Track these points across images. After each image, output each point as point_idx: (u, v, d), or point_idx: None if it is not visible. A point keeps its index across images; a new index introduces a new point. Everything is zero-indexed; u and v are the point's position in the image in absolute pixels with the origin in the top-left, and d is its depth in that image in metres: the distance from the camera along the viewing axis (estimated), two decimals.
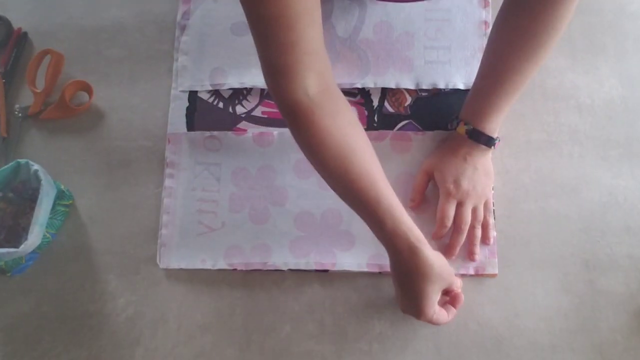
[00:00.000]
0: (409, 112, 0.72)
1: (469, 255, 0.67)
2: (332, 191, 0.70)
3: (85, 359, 0.68)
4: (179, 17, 0.78)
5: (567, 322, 0.65)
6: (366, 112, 0.73)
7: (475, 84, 0.66)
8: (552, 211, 0.69)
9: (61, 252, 0.71)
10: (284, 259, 0.68)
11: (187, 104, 0.75)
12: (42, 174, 0.67)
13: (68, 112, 0.75)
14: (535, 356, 0.65)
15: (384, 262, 0.67)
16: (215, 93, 0.75)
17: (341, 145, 0.57)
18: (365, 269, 0.67)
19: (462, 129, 0.66)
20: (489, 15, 0.74)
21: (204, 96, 0.75)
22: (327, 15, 0.76)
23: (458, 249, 0.67)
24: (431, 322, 0.61)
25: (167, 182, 0.72)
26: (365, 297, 0.68)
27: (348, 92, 0.74)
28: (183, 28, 0.77)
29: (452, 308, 0.63)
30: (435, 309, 0.60)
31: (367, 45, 0.74)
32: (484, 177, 0.67)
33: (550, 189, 0.69)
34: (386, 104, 0.73)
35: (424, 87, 0.73)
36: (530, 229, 0.68)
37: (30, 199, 0.69)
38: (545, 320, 0.65)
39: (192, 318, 0.68)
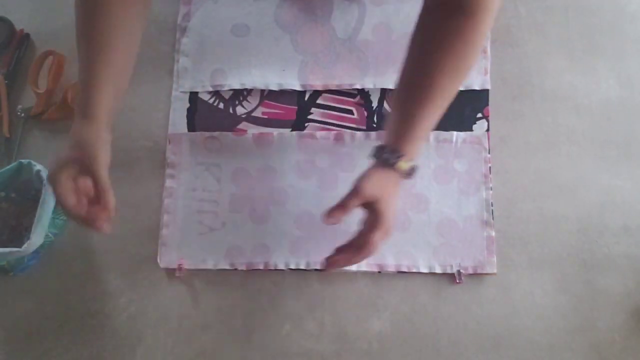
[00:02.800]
0: None
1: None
2: (332, 191, 0.70)
3: (86, 357, 0.68)
4: (179, 18, 0.78)
5: (565, 322, 0.66)
6: (366, 113, 0.73)
7: (398, 107, 0.60)
8: (550, 211, 0.69)
9: (63, 251, 0.72)
10: (284, 259, 0.69)
11: (187, 104, 0.75)
12: (44, 174, 0.67)
13: (70, 113, 0.76)
14: (533, 355, 0.65)
15: (384, 261, 0.68)
16: (216, 94, 0.75)
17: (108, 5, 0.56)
18: (365, 269, 0.68)
19: (404, 165, 0.59)
20: None
21: (205, 97, 0.75)
22: (327, 16, 0.76)
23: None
24: None
25: (168, 183, 0.72)
26: (365, 297, 0.68)
27: (347, 93, 0.74)
28: (184, 30, 0.77)
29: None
30: None
31: (366, 46, 0.75)
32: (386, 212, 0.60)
33: (548, 189, 0.70)
34: (385, 104, 0.73)
35: None
36: (529, 229, 0.68)
37: (32, 199, 0.70)
38: (544, 320, 0.66)
39: (192, 317, 0.69)
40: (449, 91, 0.57)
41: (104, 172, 0.57)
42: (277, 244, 0.69)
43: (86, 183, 0.58)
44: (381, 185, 0.59)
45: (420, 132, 0.58)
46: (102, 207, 0.58)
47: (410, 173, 0.60)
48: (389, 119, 0.61)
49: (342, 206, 0.60)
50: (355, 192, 0.59)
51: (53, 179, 0.56)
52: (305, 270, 0.69)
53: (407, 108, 0.58)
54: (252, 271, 0.70)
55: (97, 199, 0.58)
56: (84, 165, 0.57)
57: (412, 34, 0.58)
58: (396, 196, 0.60)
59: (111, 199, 0.58)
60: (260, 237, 0.70)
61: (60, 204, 0.57)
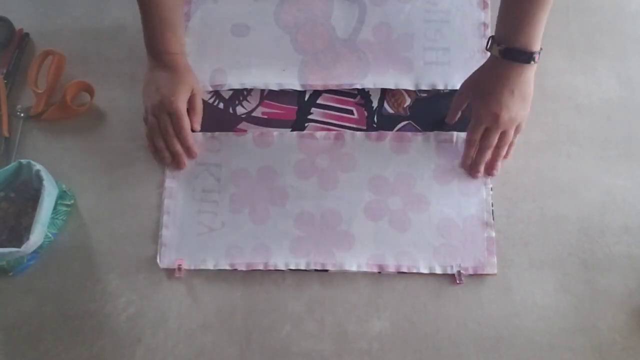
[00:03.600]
0: (408, 113, 0.73)
1: (488, 169, 0.69)
2: (332, 191, 0.70)
3: (86, 358, 0.68)
4: None
5: (565, 322, 0.66)
6: (366, 113, 0.73)
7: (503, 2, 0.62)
8: (550, 211, 0.69)
9: (62, 251, 0.71)
10: (284, 259, 0.69)
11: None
12: (43, 174, 0.67)
13: (69, 113, 0.76)
14: (534, 356, 0.65)
15: (384, 262, 0.68)
16: (216, 94, 0.75)
17: None
18: (365, 269, 0.68)
19: (495, 49, 0.62)
20: (488, 17, 0.75)
21: (204, 97, 0.75)
22: (327, 16, 0.76)
23: (481, 168, 0.69)
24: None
25: (168, 183, 0.72)
26: (365, 297, 0.68)
27: (347, 93, 0.74)
28: (183, 29, 0.77)
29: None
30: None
31: (366, 46, 0.75)
32: (520, 101, 0.64)
33: (548, 189, 0.69)
34: (385, 104, 0.73)
35: (423, 88, 0.73)
36: (529, 229, 0.68)
37: (32, 199, 0.70)
38: (544, 320, 0.66)
39: (192, 317, 0.69)
40: None
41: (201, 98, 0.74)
42: (277, 244, 0.69)
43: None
44: (482, 76, 0.65)
45: (522, 18, 0.59)
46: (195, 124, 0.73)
47: (506, 54, 0.60)
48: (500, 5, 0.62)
49: (451, 111, 0.69)
50: (458, 90, 0.69)
51: (177, 104, 0.69)
52: (305, 270, 0.68)
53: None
54: (252, 271, 0.69)
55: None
56: (194, 89, 0.72)
57: None
58: (508, 87, 0.62)
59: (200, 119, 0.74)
60: (260, 237, 0.70)
61: (184, 124, 0.70)
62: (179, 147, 0.71)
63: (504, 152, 0.68)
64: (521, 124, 0.67)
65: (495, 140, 0.67)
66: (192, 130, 0.72)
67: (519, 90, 0.63)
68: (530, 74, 0.62)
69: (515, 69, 0.61)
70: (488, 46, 0.64)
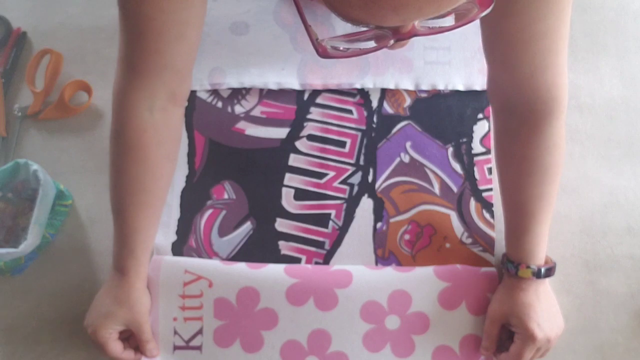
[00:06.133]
0: (408, 114, 0.72)
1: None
2: (328, 311, 0.64)
3: (84, 359, 0.68)
4: None
5: (568, 323, 0.65)
6: (365, 113, 0.73)
7: (507, 221, 0.62)
8: (552, 211, 0.68)
9: (60, 252, 0.71)
10: None
11: (185, 103, 0.74)
12: (41, 174, 0.67)
13: (67, 112, 0.75)
14: None
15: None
16: (214, 93, 0.75)
17: (145, 175, 0.59)
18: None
19: (526, 272, 0.59)
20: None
21: (203, 96, 0.75)
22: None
23: None
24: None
25: None
26: None
27: (347, 93, 0.73)
28: None
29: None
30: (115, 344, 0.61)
31: None
32: (553, 316, 0.61)
33: None
34: (385, 104, 0.73)
35: (424, 87, 0.72)
36: None
37: (29, 199, 0.69)
38: None
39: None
40: (549, 200, 0.59)
41: (148, 327, 0.62)
42: None
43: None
44: (511, 300, 0.60)
45: (533, 240, 0.60)
46: (142, 353, 0.63)
47: (539, 274, 0.59)
48: (505, 225, 0.63)
49: (487, 340, 0.62)
50: (487, 318, 0.62)
51: (98, 334, 0.60)
52: None
53: (513, 222, 0.61)
54: None
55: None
56: (127, 322, 0.61)
57: (495, 154, 0.62)
58: (539, 305, 0.59)
59: (151, 346, 0.63)
60: None
61: (108, 354, 0.60)
62: None
63: None
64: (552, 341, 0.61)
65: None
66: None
67: (553, 304, 0.62)
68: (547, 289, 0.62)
69: (542, 283, 0.61)
70: (510, 270, 0.61)
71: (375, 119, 0.72)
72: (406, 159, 0.71)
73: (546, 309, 0.60)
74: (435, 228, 0.68)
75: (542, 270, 0.59)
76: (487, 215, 0.68)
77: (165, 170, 0.62)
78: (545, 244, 0.61)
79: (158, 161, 0.60)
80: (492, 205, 0.69)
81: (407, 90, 0.73)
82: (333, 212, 0.70)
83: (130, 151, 0.58)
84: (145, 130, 0.58)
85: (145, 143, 0.58)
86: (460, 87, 0.72)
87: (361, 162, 0.71)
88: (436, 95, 0.72)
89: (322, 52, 0.41)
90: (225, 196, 0.71)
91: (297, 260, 0.68)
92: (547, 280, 0.61)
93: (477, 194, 0.69)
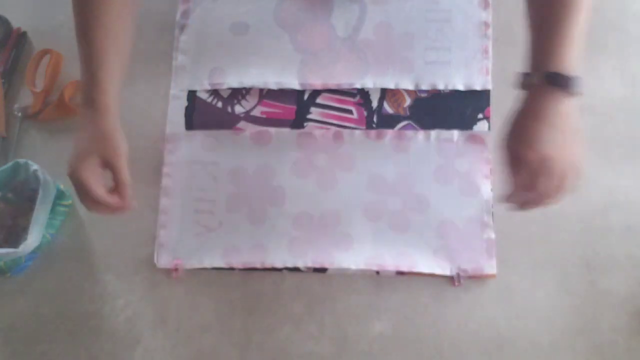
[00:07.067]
0: (408, 113, 0.72)
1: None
2: (331, 191, 0.70)
3: (84, 359, 0.68)
4: (178, 16, 0.77)
5: (567, 323, 0.65)
6: (365, 113, 0.73)
7: (531, 28, 0.53)
8: (552, 211, 0.67)
9: (60, 252, 0.71)
10: (282, 259, 0.68)
11: (186, 103, 0.74)
12: (41, 174, 0.67)
13: (67, 112, 0.75)
14: (535, 357, 0.64)
15: (382, 262, 0.67)
16: (214, 93, 0.75)
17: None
18: (363, 267, 0.67)
19: (534, 78, 0.50)
20: (489, 16, 0.74)
21: (203, 96, 0.75)
22: (327, 15, 0.75)
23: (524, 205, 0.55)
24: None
25: (165, 182, 0.72)
26: (365, 298, 0.67)
27: (347, 93, 0.73)
28: (182, 27, 0.77)
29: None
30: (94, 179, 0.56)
31: (366, 45, 0.74)
32: (576, 146, 0.51)
33: None
34: (385, 104, 0.73)
35: (424, 87, 0.72)
36: (531, 229, 0.68)
37: (29, 199, 0.69)
38: (546, 321, 0.65)
39: (191, 318, 0.68)
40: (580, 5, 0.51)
41: (124, 164, 0.57)
42: (275, 244, 0.69)
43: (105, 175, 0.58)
44: (526, 132, 0.51)
45: (557, 41, 0.50)
46: (121, 199, 0.58)
47: (544, 78, 0.49)
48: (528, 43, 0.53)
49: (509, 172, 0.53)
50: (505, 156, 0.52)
51: (78, 172, 0.55)
52: (303, 271, 0.68)
53: (535, 34, 0.52)
54: (251, 272, 0.69)
55: (115, 190, 0.58)
56: (104, 158, 0.56)
57: None
58: (537, 123, 0.50)
59: (129, 191, 0.58)
60: (258, 237, 0.69)
61: (88, 195, 0.56)
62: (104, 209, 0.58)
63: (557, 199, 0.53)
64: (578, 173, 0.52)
65: (549, 189, 0.52)
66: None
67: (569, 127, 0.52)
68: (575, 109, 0.51)
69: (559, 101, 0.50)
70: (523, 83, 0.53)
71: (375, 119, 0.72)
72: None
73: (547, 128, 0.50)
74: None
75: (559, 75, 0.49)
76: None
77: (132, 14, 0.60)
78: (578, 55, 0.50)
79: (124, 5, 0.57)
80: (492, 205, 0.69)
81: (407, 90, 0.73)
82: None
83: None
84: None
85: None
86: (460, 87, 0.72)
87: None
88: (436, 95, 0.72)
89: None
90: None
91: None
92: (574, 105, 0.50)
93: None
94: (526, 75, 0.52)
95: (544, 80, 0.50)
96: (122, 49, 0.59)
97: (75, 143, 0.57)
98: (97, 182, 0.56)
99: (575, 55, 0.50)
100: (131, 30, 0.60)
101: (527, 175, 0.51)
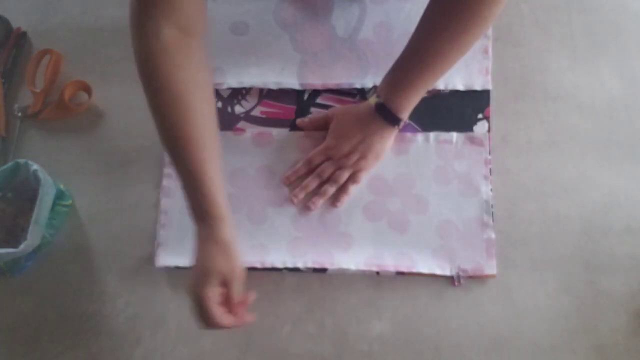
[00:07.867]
0: None
1: (308, 205, 0.69)
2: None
3: (84, 359, 0.68)
4: None
5: (567, 323, 0.65)
6: None
7: (396, 60, 0.64)
8: (552, 211, 0.68)
9: (60, 252, 0.71)
10: (281, 259, 0.68)
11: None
12: (41, 174, 0.67)
13: (67, 112, 0.75)
14: (535, 357, 0.64)
15: (382, 262, 0.67)
16: (214, 92, 0.74)
17: (179, 97, 0.56)
18: (363, 267, 0.67)
19: (373, 99, 0.66)
20: None
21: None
22: (327, 15, 0.75)
23: (303, 194, 0.69)
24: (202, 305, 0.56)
25: (165, 182, 0.72)
26: (365, 298, 0.67)
27: (347, 93, 0.73)
28: None
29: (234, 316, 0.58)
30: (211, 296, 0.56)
31: (366, 45, 0.74)
32: (369, 153, 0.67)
33: (550, 189, 0.69)
34: None
35: None
36: (531, 230, 0.68)
37: (29, 199, 0.69)
38: (546, 321, 0.65)
39: (191, 319, 0.68)
40: (448, 57, 0.60)
41: (238, 285, 0.58)
42: (275, 244, 0.69)
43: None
44: (347, 112, 0.68)
45: (408, 85, 0.63)
46: (234, 315, 0.58)
47: (377, 109, 0.65)
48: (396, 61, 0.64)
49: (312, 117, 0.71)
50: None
51: (202, 293, 0.55)
52: (303, 270, 0.68)
53: (401, 64, 0.63)
54: (251, 272, 0.69)
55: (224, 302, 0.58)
56: (224, 278, 0.57)
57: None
58: (355, 127, 0.67)
59: (242, 308, 0.59)
60: (258, 238, 0.69)
61: (206, 314, 0.56)
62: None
63: (330, 191, 0.69)
64: (359, 175, 0.68)
65: (329, 171, 0.68)
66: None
67: (376, 144, 0.67)
68: (390, 136, 0.67)
69: (381, 124, 0.66)
70: (369, 94, 0.71)
71: None
72: None
73: (362, 143, 0.66)
74: None
75: (387, 109, 0.64)
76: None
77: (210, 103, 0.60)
78: (411, 101, 0.64)
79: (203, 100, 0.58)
80: (491, 205, 0.68)
81: None
82: None
83: (169, 97, 0.57)
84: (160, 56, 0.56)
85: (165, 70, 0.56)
86: (460, 87, 0.72)
87: None
88: (436, 95, 0.72)
89: None
90: None
91: None
92: (391, 135, 0.67)
93: None
94: (374, 93, 0.66)
95: (379, 108, 0.65)
96: (217, 148, 0.58)
97: (197, 257, 0.57)
98: (217, 304, 0.57)
99: (411, 101, 0.64)
100: (214, 117, 0.59)
101: (320, 151, 0.69)
